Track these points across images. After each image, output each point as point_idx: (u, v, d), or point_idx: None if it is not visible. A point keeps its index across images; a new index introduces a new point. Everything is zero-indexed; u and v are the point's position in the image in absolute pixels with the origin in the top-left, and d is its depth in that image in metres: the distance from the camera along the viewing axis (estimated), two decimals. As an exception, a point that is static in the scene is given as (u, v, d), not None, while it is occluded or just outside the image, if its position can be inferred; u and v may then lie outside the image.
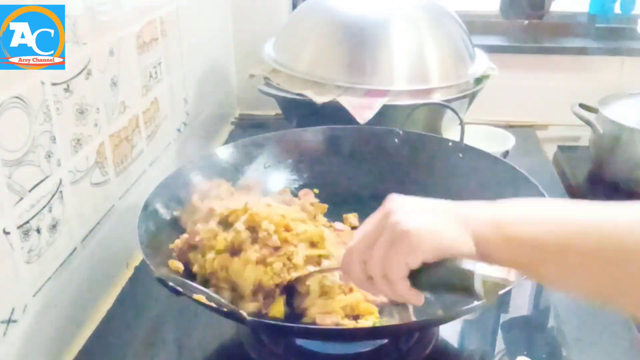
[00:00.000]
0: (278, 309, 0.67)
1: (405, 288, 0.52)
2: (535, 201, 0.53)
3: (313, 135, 0.95)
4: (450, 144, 0.91)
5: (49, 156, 0.66)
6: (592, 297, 0.50)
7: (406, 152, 0.93)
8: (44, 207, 0.66)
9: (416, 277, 0.51)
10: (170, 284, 0.59)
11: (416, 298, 0.53)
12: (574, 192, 1.13)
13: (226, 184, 0.83)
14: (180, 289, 0.59)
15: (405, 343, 0.72)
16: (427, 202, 0.53)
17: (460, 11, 1.18)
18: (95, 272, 0.79)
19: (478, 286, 0.49)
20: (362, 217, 0.78)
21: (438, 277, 0.51)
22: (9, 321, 0.61)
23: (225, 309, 0.61)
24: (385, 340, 0.70)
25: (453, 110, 0.94)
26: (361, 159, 0.94)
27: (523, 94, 1.45)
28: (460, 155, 0.89)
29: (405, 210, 0.51)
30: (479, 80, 1.11)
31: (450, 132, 1.11)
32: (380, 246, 0.51)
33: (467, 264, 0.49)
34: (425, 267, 0.50)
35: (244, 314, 0.59)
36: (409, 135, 0.94)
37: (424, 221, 0.50)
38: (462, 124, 0.93)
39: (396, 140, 0.93)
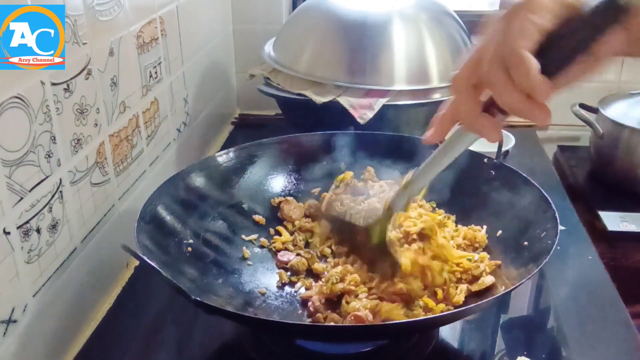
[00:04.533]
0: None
1: (536, 69, 0.45)
2: None
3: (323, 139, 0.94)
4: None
5: (49, 156, 0.66)
6: None
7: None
8: (44, 207, 0.66)
9: (540, 54, 0.45)
10: (144, 258, 0.62)
11: (548, 88, 0.46)
12: (574, 192, 1.13)
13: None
14: (143, 256, 0.62)
15: (405, 343, 0.72)
16: None
17: (460, 11, 1.18)
18: (95, 272, 0.79)
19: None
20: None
21: (570, 36, 0.45)
22: (9, 321, 0.61)
23: (174, 287, 0.61)
24: (385, 340, 0.70)
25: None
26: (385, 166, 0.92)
27: (523, 94, 1.45)
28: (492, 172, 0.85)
29: None
30: (479, 80, 1.11)
31: (450, 132, 1.11)
32: (494, 35, 0.46)
33: None
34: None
35: (189, 293, 0.60)
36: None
37: None
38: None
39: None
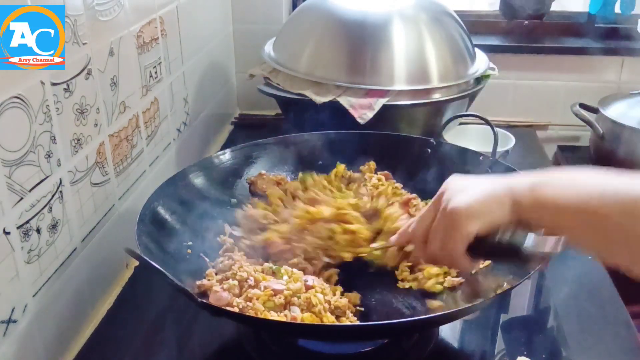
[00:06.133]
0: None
1: (464, 260, 0.58)
2: (570, 171, 0.56)
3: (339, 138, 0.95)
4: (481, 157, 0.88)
5: (49, 156, 0.66)
6: (605, 256, 0.54)
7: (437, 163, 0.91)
8: (44, 207, 0.66)
9: (474, 247, 0.57)
10: (150, 261, 0.62)
11: (470, 266, 0.65)
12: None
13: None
14: (147, 259, 0.62)
15: (405, 343, 0.72)
16: (478, 179, 0.60)
17: (460, 11, 1.18)
18: (95, 272, 0.79)
19: (525, 255, 0.56)
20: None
21: (491, 248, 0.57)
22: (9, 321, 0.61)
23: (179, 289, 0.62)
24: (386, 340, 0.70)
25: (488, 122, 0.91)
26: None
27: (523, 94, 1.45)
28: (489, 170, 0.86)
29: (455, 189, 0.59)
30: (479, 80, 1.11)
31: (450, 132, 1.11)
32: (436, 230, 0.59)
33: (517, 236, 0.56)
34: (480, 238, 0.57)
35: (195, 295, 0.61)
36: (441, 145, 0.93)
37: (468, 198, 0.56)
38: (495, 136, 0.91)
39: (429, 150, 0.92)
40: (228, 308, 0.65)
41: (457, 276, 0.75)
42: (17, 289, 0.62)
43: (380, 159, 0.92)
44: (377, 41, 1.03)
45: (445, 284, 0.74)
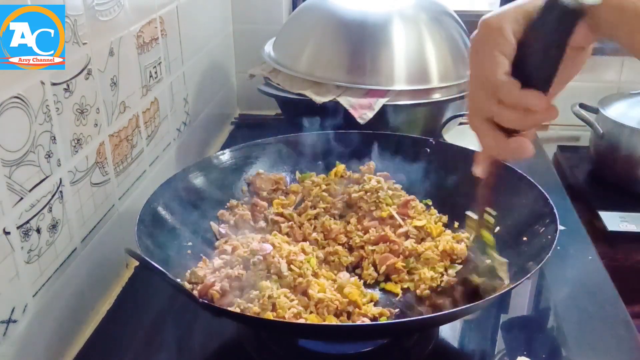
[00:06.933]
0: None
1: (516, 87, 0.49)
2: None
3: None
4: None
5: (49, 156, 0.66)
6: None
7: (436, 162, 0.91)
8: (44, 207, 0.66)
9: (519, 69, 0.49)
10: (152, 262, 0.62)
11: (538, 97, 0.50)
12: (574, 192, 1.13)
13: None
14: (148, 259, 0.62)
15: (405, 343, 0.72)
16: None
17: (460, 11, 1.18)
18: (95, 272, 0.79)
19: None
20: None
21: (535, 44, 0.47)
22: (9, 321, 0.61)
23: (180, 289, 0.62)
24: (386, 340, 0.70)
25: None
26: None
27: (523, 94, 1.45)
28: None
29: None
30: (479, 80, 1.11)
31: (450, 132, 1.11)
32: (471, 70, 0.51)
33: None
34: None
35: (196, 296, 0.62)
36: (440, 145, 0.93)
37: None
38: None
39: (428, 149, 0.92)
40: (229, 308, 0.65)
41: (454, 276, 0.75)
42: (17, 289, 0.62)
43: (379, 159, 0.92)
44: (377, 41, 1.04)
45: (443, 284, 0.74)
